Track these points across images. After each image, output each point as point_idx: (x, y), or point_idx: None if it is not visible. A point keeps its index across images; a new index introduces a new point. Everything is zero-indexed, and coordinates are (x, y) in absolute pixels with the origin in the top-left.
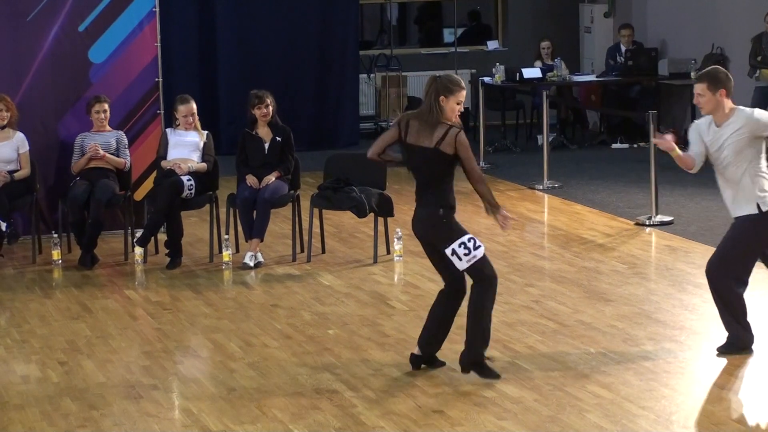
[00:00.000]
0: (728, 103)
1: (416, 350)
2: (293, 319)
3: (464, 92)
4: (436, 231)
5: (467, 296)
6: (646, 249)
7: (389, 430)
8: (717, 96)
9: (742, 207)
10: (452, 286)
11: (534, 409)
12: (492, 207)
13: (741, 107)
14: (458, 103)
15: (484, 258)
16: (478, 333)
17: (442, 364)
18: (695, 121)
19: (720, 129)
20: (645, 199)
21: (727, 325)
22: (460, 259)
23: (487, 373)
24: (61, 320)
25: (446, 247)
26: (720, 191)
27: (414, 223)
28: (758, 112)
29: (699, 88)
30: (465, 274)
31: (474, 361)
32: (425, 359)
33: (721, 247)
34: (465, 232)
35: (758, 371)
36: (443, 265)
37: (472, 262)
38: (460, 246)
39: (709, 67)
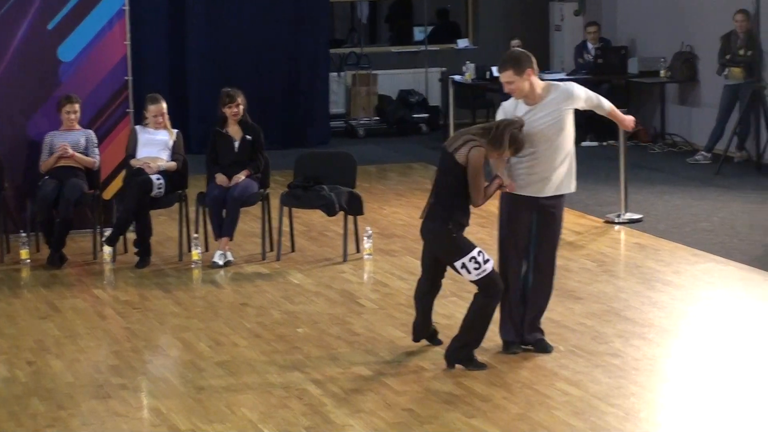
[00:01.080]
0: (538, 82)
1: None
2: (263, 317)
3: None
4: (442, 246)
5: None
6: (615, 247)
7: (359, 429)
8: (525, 78)
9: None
10: (430, 281)
11: (503, 407)
12: (496, 186)
13: (555, 82)
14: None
15: (493, 270)
16: (473, 337)
17: (440, 342)
18: (503, 102)
19: (534, 108)
20: (614, 197)
21: None
22: (470, 272)
23: (475, 364)
24: (29, 320)
25: (455, 261)
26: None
27: (423, 231)
28: (574, 86)
29: (505, 77)
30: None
31: (463, 357)
32: (426, 336)
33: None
34: (474, 245)
35: (726, 368)
36: (432, 262)
37: (481, 275)
38: (470, 260)
39: (507, 52)
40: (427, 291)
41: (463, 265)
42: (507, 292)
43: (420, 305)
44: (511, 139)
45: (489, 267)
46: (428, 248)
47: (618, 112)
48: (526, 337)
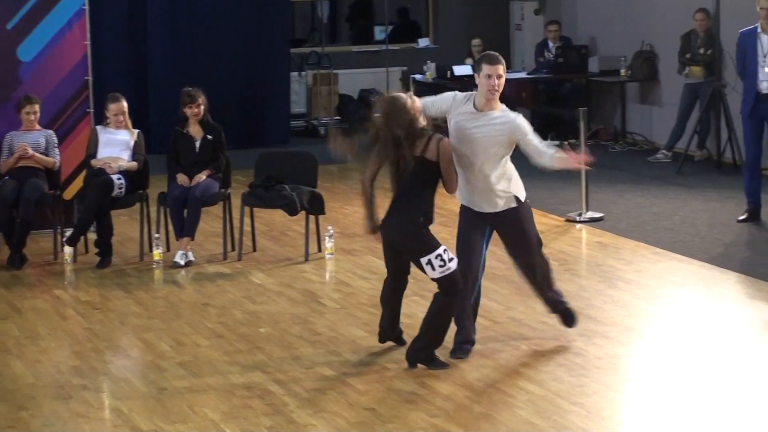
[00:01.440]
0: None
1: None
2: (224, 317)
3: None
4: (409, 240)
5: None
6: (576, 245)
7: (321, 429)
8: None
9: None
10: (397, 280)
11: (465, 406)
12: None
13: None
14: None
15: (456, 269)
16: (434, 337)
17: (405, 343)
18: (456, 92)
19: (484, 116)
20: (575, 196)
21: None
22: (434, 269)
23: (437, 364)
24: None
25: (421, 257)
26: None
27: (385, 228)
28: (522, 121)
29: (500, 70)
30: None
31: (424, 357)
32: (393, 337)
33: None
34: (440, 243)
35: (688, 367)
36: (397, 265)
37: (444, 273)
38: (436, 258)
39: (489, 52)
40: (393, 291)
41: (429, 262)
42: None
43: (388, 307)
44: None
45: (453, 266)
46: (393, 245)
47: (561, 155)
48: (555, 305)
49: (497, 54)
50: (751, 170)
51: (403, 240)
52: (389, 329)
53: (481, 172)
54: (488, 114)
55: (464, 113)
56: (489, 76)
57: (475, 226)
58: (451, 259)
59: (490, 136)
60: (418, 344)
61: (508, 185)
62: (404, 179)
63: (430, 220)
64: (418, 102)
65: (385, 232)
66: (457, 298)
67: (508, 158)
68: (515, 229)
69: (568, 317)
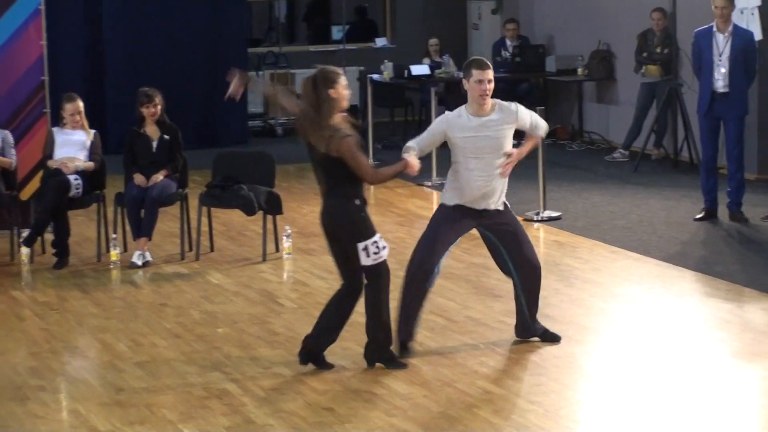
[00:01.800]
0: None
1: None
2: (182, 318)
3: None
4: (349, 224)
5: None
6: (534, 244)
7: (279, 429)
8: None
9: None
10: (351, 284)
11: (424, 405)
12: (402, 168)
13: (500, 101)
14: (345, 88)
15: (386, 260)
16: (381, 329)
17: (330, 366)
18: (447, 113)
19: (484, 120)
20: (533, 195)
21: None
22: (368, 256)
23: (395, 364)
24: None
25: (358, 242)
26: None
27: (323, 215)
28: (519, 107)
29: (489, 74)
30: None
31: (382, 357)
32: (313, 357)
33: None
34: (376, 231)
35: (645, 365)
36: (346, 262)
37: (377, 261)
38: (372, 244)
39: (479, 57)
40: (344, 295)
41: (365, 248)
42: (408, 293)
43: (334, 308)
44: (321, 79)
45: (384, 255)
46: (333, 233)
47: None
48: (532, 329)
49: (485, 59)
50: (707, 169)
51: (340, 223)
52: (315, 339)
53: (493, 169)
54: (486, 117)
55: (464, 127)
56: (480, 81)
57: (458, 225)
58: (384, 248)
59: (497, 138)
60: (374, 346)
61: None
62: (322, 168)
63: (365, 202)
64: (346, 91)
65: (323, 220)
66: (385, 288)
67: None
68: (514, 221)
69: (551, 337)
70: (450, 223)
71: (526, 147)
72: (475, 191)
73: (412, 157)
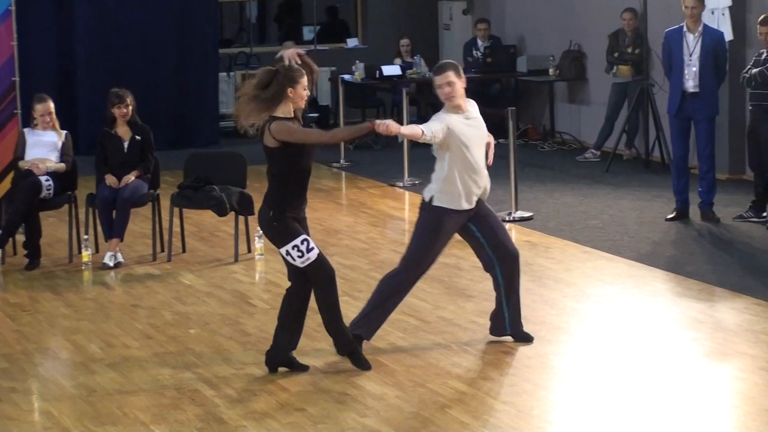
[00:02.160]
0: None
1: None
2: (154, 319)
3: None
4: (268, 231)
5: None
6: None
7: (252, 429)
8: (462, 82)
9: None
10: (295, 283)
11: (396, 406)
12: (366, 131)
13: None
14: (304, 89)
15: (319, 258)
16: (340, 327)
17: (305, 368)
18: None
19: (468, 116)
20: (504, 195)
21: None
22: (294, 260)
23: (361, 363)
24: None
25: (280, 248)
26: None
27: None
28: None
29: (447, 77)
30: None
31: (349, 351)
32: (285, 362)
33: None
34: (298, 234)
35: (618, 365)
36: (287, 262)
37: (306, 263)
38: (293, 248)
39: (441, 62)
40: (291, 293)
41: (288, 252)
42: (392, 297)
43: (286, 310)
44: (285, 76)
45: (313, 255)
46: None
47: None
48: (516, 332)
49: (445, 62)
50: (678, 169)
51: (264, 231)
52: (287, 346)
53: (483, 161)
54: (465, 113)
55: (457, 121)
56: (440, 86)
57: (451, 232)
58: (310, 249)
59: (481, 130)
60: (335, 339)
61: None
62: (267, 172)
63: (278, 216)
64: (305, 92)
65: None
66: (331, 284)
67: None
68: (489, 209)
69: (524, 337)
70: (448, 235)
71: None
72: (474, 189)
73: (392, 122)
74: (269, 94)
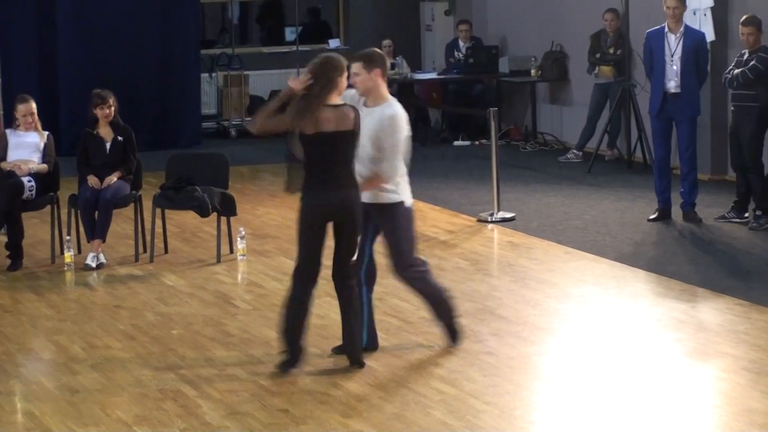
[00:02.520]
0: (385, 90)
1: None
2: (136, 319)
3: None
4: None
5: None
6: (488, 245)
7: (234, 430)
8: (372, 76)
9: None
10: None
11: (379, 407)
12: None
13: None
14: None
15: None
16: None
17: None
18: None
19: (371, 112)
20: (487, 196)
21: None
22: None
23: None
24: None
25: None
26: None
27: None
28: (401, 120)
29: (355, 68)
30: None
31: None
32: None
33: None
34: None
35: (600, 365)
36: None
37: None
38: None
39: (366, 49)
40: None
41: None
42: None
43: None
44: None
45: None
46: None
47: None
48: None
49: (362, 52)
50: (660, 169)
51: (357, 212)
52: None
53: (362, 155)
54: (375, 108)
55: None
56: (351, 74)
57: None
58: None
59: (379, 130)
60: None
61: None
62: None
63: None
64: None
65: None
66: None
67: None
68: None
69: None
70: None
71: None
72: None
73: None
74: (326, 88)
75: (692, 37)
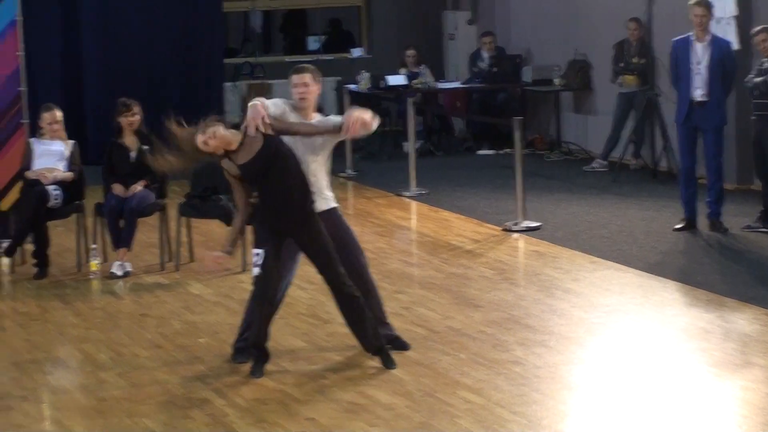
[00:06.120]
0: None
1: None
2: (163, 328)
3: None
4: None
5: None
6: (513, 254)
7: None
8: (317, 88)
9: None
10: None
11: (406, 416)
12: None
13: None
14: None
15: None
16: (251, 332)
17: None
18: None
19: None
20: (512, 205)
21: None
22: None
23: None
24: None
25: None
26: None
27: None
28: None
29: (305, 78)
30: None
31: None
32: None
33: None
34: (263, 246)
35: (627, 375)
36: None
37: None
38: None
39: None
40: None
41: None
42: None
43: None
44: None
45: (255, 271)
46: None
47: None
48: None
49: (304, 65)
50: (686, 179)
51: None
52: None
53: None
54: (308, 118)
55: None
56: (295, 86)
57: None
58: (256, 265)
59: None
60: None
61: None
62: None
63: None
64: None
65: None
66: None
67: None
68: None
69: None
70: None
71: None
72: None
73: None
74: None
75: (719, 46)
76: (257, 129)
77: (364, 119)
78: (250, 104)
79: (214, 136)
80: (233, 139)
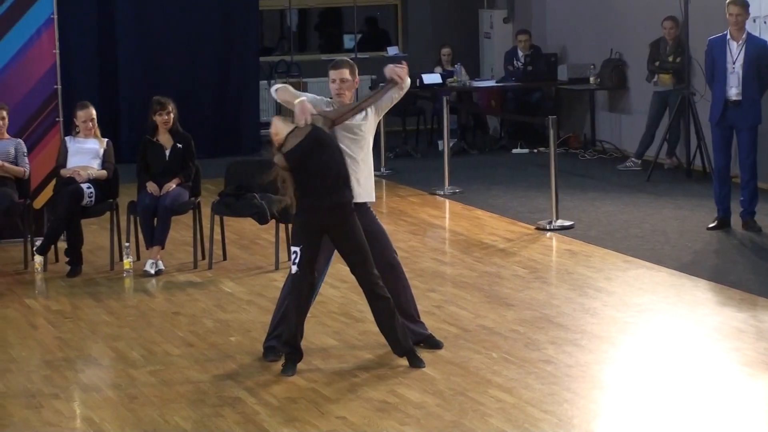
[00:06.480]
0: None
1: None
2: (195, 326)
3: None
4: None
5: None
6: (546, 253)
7: None
8: (355, 84)
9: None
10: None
11: (437, 414)
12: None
13: None
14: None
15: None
16: (284, 329)
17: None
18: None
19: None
20: (545, 204)
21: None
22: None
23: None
24: None
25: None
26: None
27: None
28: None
29: (343, 74)
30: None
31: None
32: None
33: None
34: (299, 243)
35: (659, 375)
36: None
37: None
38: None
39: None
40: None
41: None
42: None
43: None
44: None
45: (293, 269)
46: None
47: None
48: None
49: (343, 60)
50: (720, 178)
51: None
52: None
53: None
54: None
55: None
56: (333, 81)
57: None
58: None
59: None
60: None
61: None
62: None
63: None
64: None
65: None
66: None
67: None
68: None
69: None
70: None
71: None
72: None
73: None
74: None
75: (755, 45)
76: (305, 121)
77: (398, 66)
78: (296, 101)
79: (274, 129)
80: (283, 128)
